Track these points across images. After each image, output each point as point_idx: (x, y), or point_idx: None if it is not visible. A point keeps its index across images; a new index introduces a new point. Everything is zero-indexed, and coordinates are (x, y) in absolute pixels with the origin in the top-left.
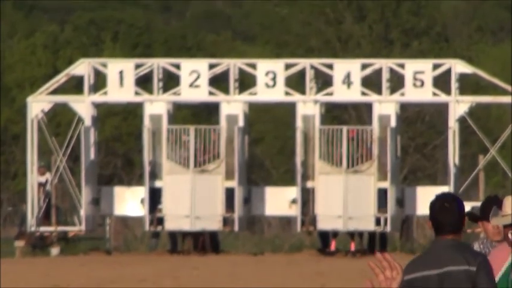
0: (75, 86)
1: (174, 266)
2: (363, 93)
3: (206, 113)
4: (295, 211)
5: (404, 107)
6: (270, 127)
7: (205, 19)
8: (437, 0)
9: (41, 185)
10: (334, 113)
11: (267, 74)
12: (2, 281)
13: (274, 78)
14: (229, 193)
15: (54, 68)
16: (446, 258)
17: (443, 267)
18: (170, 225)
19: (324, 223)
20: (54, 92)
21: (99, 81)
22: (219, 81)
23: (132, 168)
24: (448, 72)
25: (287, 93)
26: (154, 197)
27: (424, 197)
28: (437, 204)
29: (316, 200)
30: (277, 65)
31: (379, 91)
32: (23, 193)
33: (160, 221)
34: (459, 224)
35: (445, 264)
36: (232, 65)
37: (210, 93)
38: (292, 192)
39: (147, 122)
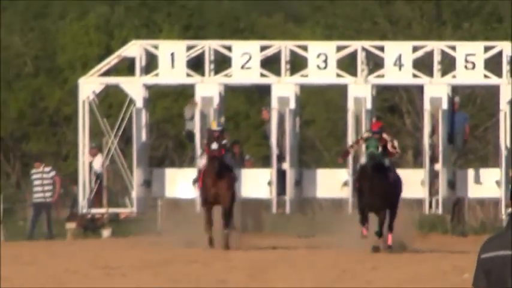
0: (127, 67)
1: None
2: (414, 76)
3: (257, 95)
4: (346, 193)
5: (455, 90)
6: (321, 109)
7: (257, 1)
8: None
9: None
10: (385, 95)
11: (318, 56)
12: (53, 262)
13: (325, 60)
14: (281, 175)
15: (108, 48)
16: None
17: None
18: None
19: None
20: (106, 73)
21: (151, 63)
22: (270, 63)
23: (184, 150)
24: (499, 54)
25: (338, 75)
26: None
27: (476, 180)
28: None
29: None
30: (329, 47)
31: (430, 73)
32: (74, 175)
33: None
34: None
35: None
36: (284, 47)
37: (262, 75)
38: (344, 174)
39: (199, 103)
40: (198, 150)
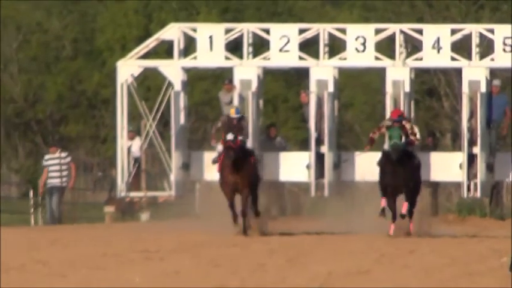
0: (165, 50)
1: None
2: (453, 59)
3: (296, 78)
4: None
5: (493, 73)
6: (360, 92)
7: None
8: None
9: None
10: (424, 78)
11: (356, 39)
12: (91, 246)
13: (364, 43)
14: (320, 158)
15: (146, 30)
16: None
17: None
18: None
19: None
20: (144, 56)
21: (189, 46)
22: (308, 46)
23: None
24: None
25: (377, 58)
26: None
27: None
28: None
29: None
30: (367, 30)
31: (468, 56)
32: (112, 158)
33: None
34: None
35: None
36: (322, 29)
37: (300, 58)
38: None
39: (237, 86)
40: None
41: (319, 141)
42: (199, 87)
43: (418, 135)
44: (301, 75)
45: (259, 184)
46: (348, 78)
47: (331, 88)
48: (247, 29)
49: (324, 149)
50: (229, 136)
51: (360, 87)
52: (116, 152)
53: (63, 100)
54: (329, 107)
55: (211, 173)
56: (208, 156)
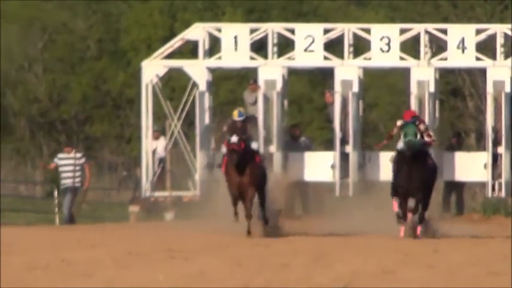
0: (190, 50)
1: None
2: (477, 59)
3: (320, 78)
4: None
5: None
6: (384, 92)
7: None
8: None
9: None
10: (448, 78)
11: (381, 39)
12: (116, 245)
13: (388, 43)
14: (344, 158)
15: (171, 30)
16: None
17: None
18: None
19: None
20: (169, 56)
21: (214, 46)
22: (333, 46)
23: None
24: None
25: (401, 58)
26: None
27: None
28: None
29: None
30: (392, 30)
31: (493, 56)
32: (137, 158)
33: None
34: None
35: None
36: (347, 29)
37: (325, 58)
38: None
39: (262, 86)
40: (261, 134)
41: (344, 141)
42: (224, 87)
43: (433, 136)
44: (325, 75)
45: (266, 186)
46: (372, 78)
47: (355, 88)
48: (272, 29)
49: (349, 148)
50: (234, 139)
51: (384, 88)
52: (140, 151)
53: (87, 100)
54: (354, 107)
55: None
56: None
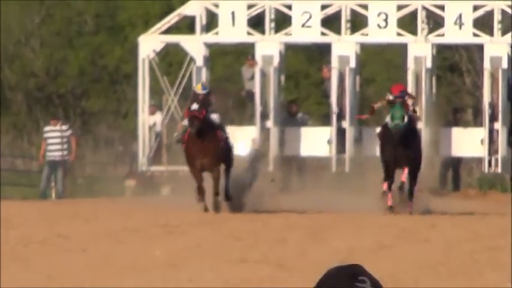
0: (187, 25)
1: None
2: (475, 35)
3: (317, 53)
4: None
5: None
6: (381, 68)
7: None
8: None
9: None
10: (446, 54)
11: (378, 14)
12: (112, 219)
13: (386, 19)
14: (341, 134)
15: (169, 6)
16: None
17: None
18: None
19: None
20: (166, 31)
21: (211, 22)
22: (331, 22)
23: (244, 109)
24: None
25: (399, 34)
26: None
27: None
28: None
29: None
30: (389, 6)
31: (490, 32)
32: (133, 132)
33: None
34: None
35: None
36: (344, 6)
37: (322, 33)
38: None
39: (259, 61)
40: (258, 109)
41: (340, 117)
42: (221, 63)
43: (417, 113)
44: (323, 51)
45: (231, 161)
46: (369, 54)
47: (352, 64)
48: (269, 4)
49: (346, 124)
50: (194, 106)
51: (381, 63)
52: (137, 126)
53: (84, 74)
54: (350, 83)
55: (234, 147)
56: (230, 130)
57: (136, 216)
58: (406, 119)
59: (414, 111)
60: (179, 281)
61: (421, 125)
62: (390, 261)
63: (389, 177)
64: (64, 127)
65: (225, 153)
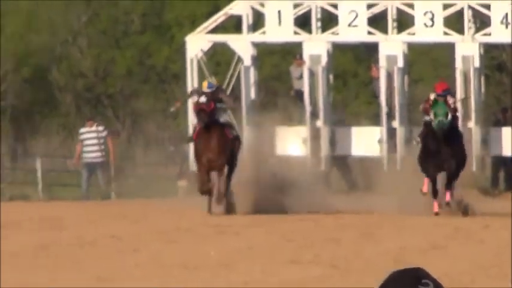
0: (233, 25)
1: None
2: None
3: (365, 53)
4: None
5: None
6: (429, 67)
7: None
8: None
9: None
10: (493, 54)
11: (425, 14)
12: (164, 220)
13: (432, 18)
14: (392, 133)
15: (215, 6)
16: None
17: None
18: None
19: None
20: (213, 31)
21: (258, 21)
22: (377, 21)
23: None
24: None
25: (445, 33)
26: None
27: None
28: None
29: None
30: (435, 5)
31: None
32: (184, 132)
33: None
34: None
35: None
36: (390, 5)
37: (369, 33)
38: None
39: (307, 61)
40: (307, 108)
41: (390, 116)
42: (269, 62)
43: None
44: (370, 50)
45: (235, 159)
46: (416, 53)
47: (400, 63)
48: (315, 4)
49: (396, 124)
50: (202, 99)
51: (429, 62)
52: (187, 126)
53: (132, 74)
54: (399, 82)
55: (283, 147)
56: (280, 130)
57: (188, 216)
58: (449, 117)
59: (455, 109)
60: (230, 281)
61: (471, 125)
62: (442, 262)
63: (431, 178)
64: (100, 128)
65: (231, 150)
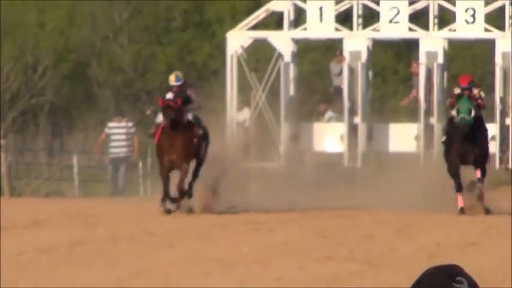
0: (274, 21)
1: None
2: None
3: (405, 49)
4: (493, 148)
5: None
6: (469, 64)
7: None
8: None
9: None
10: None
11: (466, 10)
12: (199, 216)
13: (473, 15)
14: (430, 129)
15: (256, 2)
16: None
17: None
18: None
19: None
20: (254, 27)
21: (299, 17)
22: (418, 18)
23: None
24: None
25: (486, 30)
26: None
27: None
28: None
29: None
30: (477, 2)
31: None
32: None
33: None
34: None
35: None
36: (432, 1)
37: (410, 29)
38: (491, 128)
39: (347, 57)
40: (346, 105)
41: (428, 113)
42: (309, 58)
43: (484, 100)
44: (411, 46)
45: (204, 157)
46: (456, 49)
47: (440, 59)
48: (357, 0)
49: (433, 120)
50: (169, 95)
51: (469, 59)
52: (225, 122)
53: (172, 71)
54: (438, 79)
55: (321, 143)
56: (317, 127)
57: (223, 213)
58: (473, 113)
59: (481, 98)
60: (266, 277)
61: (508, 121)
62: (477, 258)
63: (455, 177)
64: (130, 124)
65: (197, 149)
